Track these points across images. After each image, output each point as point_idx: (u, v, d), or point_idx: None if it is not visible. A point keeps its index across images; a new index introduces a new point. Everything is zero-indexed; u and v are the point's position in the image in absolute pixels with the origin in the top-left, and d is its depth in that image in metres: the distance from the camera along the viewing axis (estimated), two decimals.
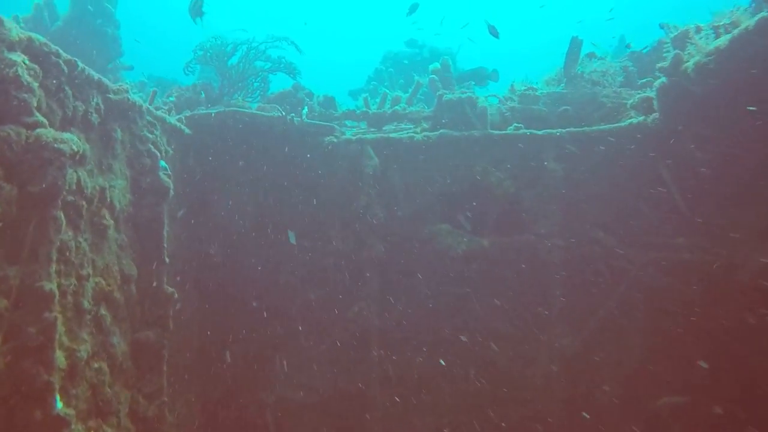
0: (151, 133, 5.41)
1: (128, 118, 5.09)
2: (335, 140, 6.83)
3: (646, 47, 8.15)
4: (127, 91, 4.83)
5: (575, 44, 7.50)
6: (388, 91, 9.17)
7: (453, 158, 6.89)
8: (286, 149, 6.79)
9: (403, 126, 7.73)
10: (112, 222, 4.63)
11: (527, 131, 6.88)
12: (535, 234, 6.75)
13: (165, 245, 5.30)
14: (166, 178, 5.30)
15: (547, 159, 6.77)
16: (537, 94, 7.39)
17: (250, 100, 9.17)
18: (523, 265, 6.78)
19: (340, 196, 6.85)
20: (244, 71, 8.95)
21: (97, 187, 4.42)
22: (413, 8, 10.02)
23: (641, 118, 6.37)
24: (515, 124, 6.97)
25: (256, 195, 6.84)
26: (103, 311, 4.46)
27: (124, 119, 5.02)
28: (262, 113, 6.62)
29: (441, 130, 6.89)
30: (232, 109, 6.48)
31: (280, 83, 9.66)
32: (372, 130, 7.40)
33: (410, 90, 9.18)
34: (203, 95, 8.49)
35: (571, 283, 6.67)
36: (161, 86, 13.36)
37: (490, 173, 6.83)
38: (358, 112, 7.47)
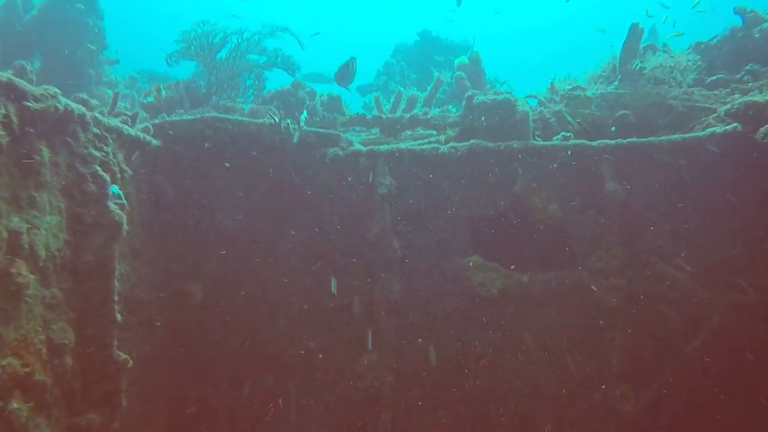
0: (100, 150, 4.13)
1: (65, 131, 3.81)
2: (341, 153, 5.53)
3: (715, 37, 6.76)
4: (55, 97, 3.55)
5: (634, 33, 6.13)
6: (402, 89, 7.86)
7: (486, 175, 5.57)
8: (281, 164, 5.50)
9: (421, 131, 6.41)
10: (32, 277, 3.37)
11: (578, 142, 5.55)
12: (589, 269, 5.44)
13: (116, 297, 4.04)
14: (117, 210, 4.03)
15: (604, 176, 5.44)
16: (587, 95, 6.03)
17: (242, 100, 7.88)
18: (573, 308, 5.48)
19: (347, 223, 5.56)
20: (234, 66, 7.66)
21: (5, 233, 3.16)
22: None
23: (730, 127, 5.01)
24: (563, 133, 5.64)
25: (243, 220, 5.56)
26: (15, 404, 3.21)
27: (57, 134, 3.75)
28: (250, 120, 5.33)
29: (472, 140, 5.57)
30: (211, 115, 5.19)
31: (278, 79, 8.36)
32: (385, 138, 6.09)
33: (429, 88, 7.86)
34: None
35: (634, 332, 5.36)
36: (153, 81, 12.07)
37: (533, 193, 5.51)
38: (369, 116, 6.15)
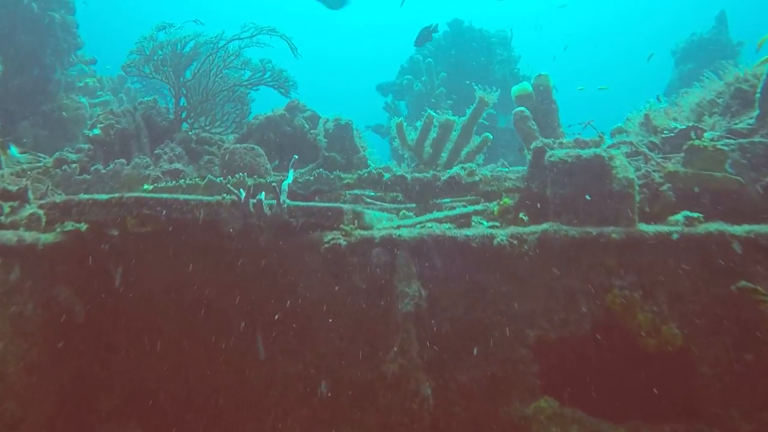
0: None
1: None
2: (342, 242, 3.62)
3: None
4: None
5: None
6: (433, 113, 5.90)
7: (565, 278, 3.63)
8: (249, 261, 3.63)
9: (469, 198, 4.44)
10: None
11: (712, 227, 3.55)
12: (723, 429, 3.49)
13: None
14: None
15: (754, 287, 3.45)
16: (717, 146, 3.99)
17: (221, 129, 6.01)
18: None
19: (352, 349, 3.69)
20: (209, 85, 5.77)
21: None
22: None
23: None
24: (685, 213, 3.64)
25: (196, 345, 3.73)
26: None
27: None
28: (199, 198, 3.43)
29: (544, 225, 3.61)
30: (134, 194, 3.31)
31: (267, 100, 6.45)
32: (408, 215, 4.14)
33: (468, 111, 5.87)
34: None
35: None
36: (144, 81, 10.30)
37: (638, 308, 3.55)
38: (387, 177, 4.18)
